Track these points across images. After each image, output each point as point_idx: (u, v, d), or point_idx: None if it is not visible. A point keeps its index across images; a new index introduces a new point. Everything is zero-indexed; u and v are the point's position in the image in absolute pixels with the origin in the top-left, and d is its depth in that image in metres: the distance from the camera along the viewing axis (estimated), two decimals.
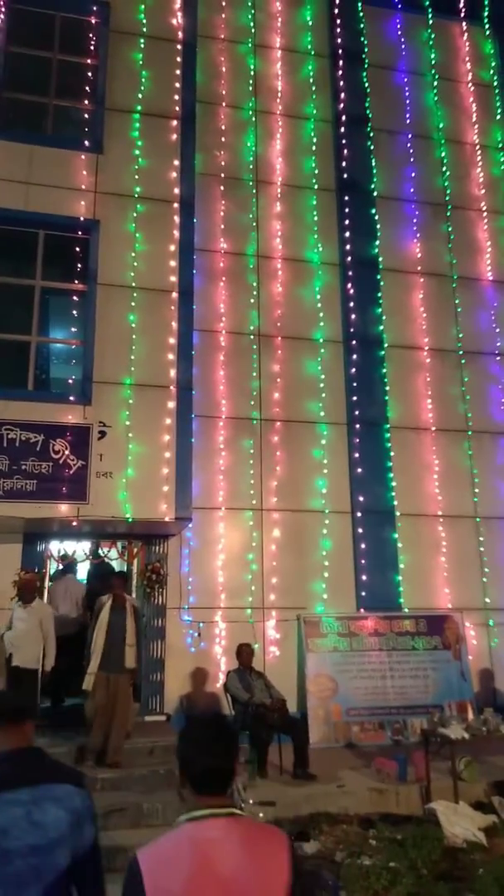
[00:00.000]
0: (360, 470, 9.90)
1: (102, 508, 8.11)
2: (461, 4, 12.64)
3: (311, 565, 9.46)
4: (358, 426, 10.07)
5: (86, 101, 9.80)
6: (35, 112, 9.93)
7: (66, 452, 8.16)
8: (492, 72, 12.61)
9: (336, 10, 11.72)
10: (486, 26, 12.76)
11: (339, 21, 11.68)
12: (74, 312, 8.99)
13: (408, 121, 11.78)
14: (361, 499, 9.80)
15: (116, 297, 8.96)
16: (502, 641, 9.89)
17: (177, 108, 9.97)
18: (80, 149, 9.38)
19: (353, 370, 10.27)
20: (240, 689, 7.49)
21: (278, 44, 11.35)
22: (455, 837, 5.91)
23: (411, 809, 6.60)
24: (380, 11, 12.10)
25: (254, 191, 10.57)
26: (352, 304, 10.52)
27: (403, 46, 12.13)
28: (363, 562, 9.60)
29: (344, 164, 11.08)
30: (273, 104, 11.04)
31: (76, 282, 9.03)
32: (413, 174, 11.53)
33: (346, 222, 10.84)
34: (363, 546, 9.64)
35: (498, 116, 12.40)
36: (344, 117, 11.28)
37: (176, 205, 9.55)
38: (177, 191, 9.60)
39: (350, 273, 10.66)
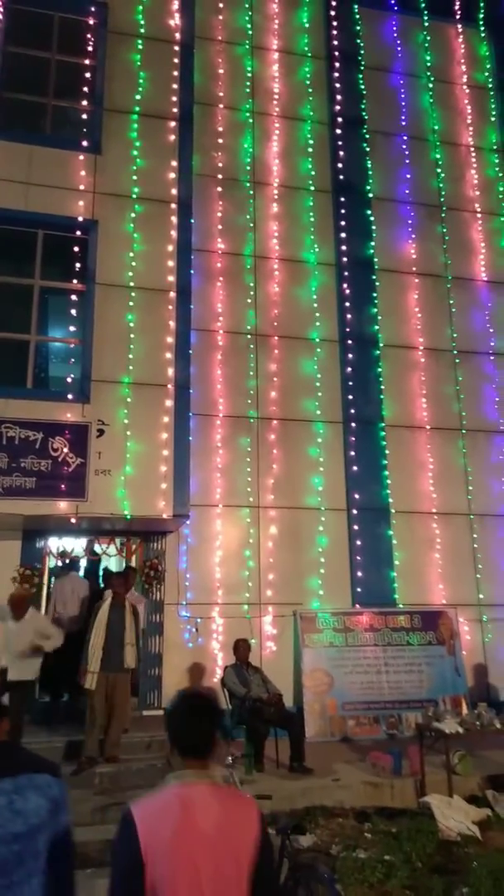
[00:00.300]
0: (355, 468, 10.00)
1: (101, 506, 8.18)
2: (456, 7, 12.73)
3: (307, 562, 9.55)
4: (354, 424, 10.16)
5: (84, 102, 9.84)
6: (34, 112, 9.96)
7: (65, 450, 8.23)
8: (487, 74, 12.70)
9: (332, 13, 11.79)
10: (482, 28, 12.85)
11: (335, 23, 11.76)
12: (73, 312, 9.04)
13: (403, 122, 11.86)
14: (357, 496, 9.90)
15: (115, 297, 9.02)
16: (496, 637, 10.00)
17: (174, 110, 10.02)
18: (78, 149, 9.43)
19: (349, 369, 10.36)
20: (237, 684, 7.57)
21: (275, 45, 11.42)
22: (449, 831, 5.98)
23: (406, 803, 6.67)
24: (376, 13, 12.18)
25: (251, 192, 10.64)
26: (347, 304, 10.61)
27: (399, 48, 12.21)
28: (358, 558, 9.70)
29: (340, 165, 11.17)
30: (270, 106, 11.12)
31: (75, 281, 9.08)
32: (408, 175, 11.62)
33: (342, 223, 10.92)
34: (359, 543, 9.74)
35: (493, 118, 12.49)
36: (340, 119, 11.37)
37: (174, 205, 9.60)
38: (174, 191, 9.66)
39: (346, 273, 10.74)
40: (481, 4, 12.88)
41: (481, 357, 11.17)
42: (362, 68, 11.77)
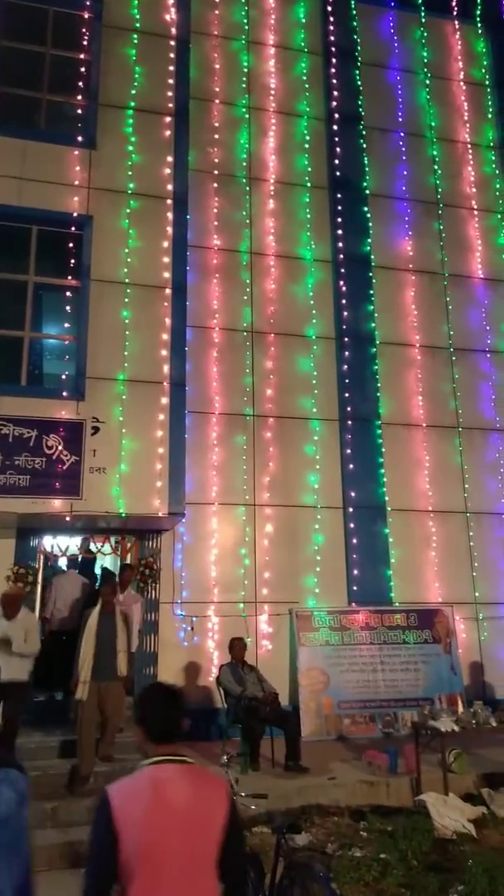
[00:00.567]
0: (351, 466, 9.98)
1: (96, 504, 8.13)
2: (454, 3, 12.69)
3: (303, 560, 9.53)
4: (350, 422, 10.14)
5: (79, 97, 9.77)
6: (28, 107, 9.88)
7: (60, 448, 8.18)
8: (484, 70, 12.67)
9: (329, 8, 11.75)
10: (479, 25, 12.82)
11: (332, 18, 11.71)
12: (68, 308, 8.99)
13: (400, 119, 11.83)
14: (353, 494, 9.87)
15: (110, 293, 8.96)
16: (492, 635, 10.00)
17: (170, 105, 9.96)
18: (73, 144, 9.36)
19: (346, 367, 10.33)
20: (232, 683, 7.55)
21: (271, 41, 11.37)
22: (445, 829, 5.98)
23: (402, 801, 6.67)
24: (373, 9, 12.12)
25: (247, 188, 10.60)
26: (344, 301, 10.58)
27: (396, 44, 12.17)
28: (355, 556, 9.68)
29: (336, 161, 11.12)
30: (266, 101, 11.07)
31: (69, 277, 9.03)
32: (405, 172, 11.59)
33: (339, 220, 10.89)
34: (355, 541, 9.72)
35: (489, 115, 12.46)
36: (336, 115, 11.32)
37: (169, 201, 9.54)
38: (170, 187, 9.60)
39: (342, 270, 10.71)
40: (478, 1, 12.84)
41: (478, 355, 11.15)
42: (359, 64, 11.73)
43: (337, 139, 11.22)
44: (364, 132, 11.46)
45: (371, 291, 10.81)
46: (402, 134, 11.76)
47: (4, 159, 8.99)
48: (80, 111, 9.75)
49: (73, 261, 9.04)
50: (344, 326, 10.49)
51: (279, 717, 7.44)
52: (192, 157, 10.12)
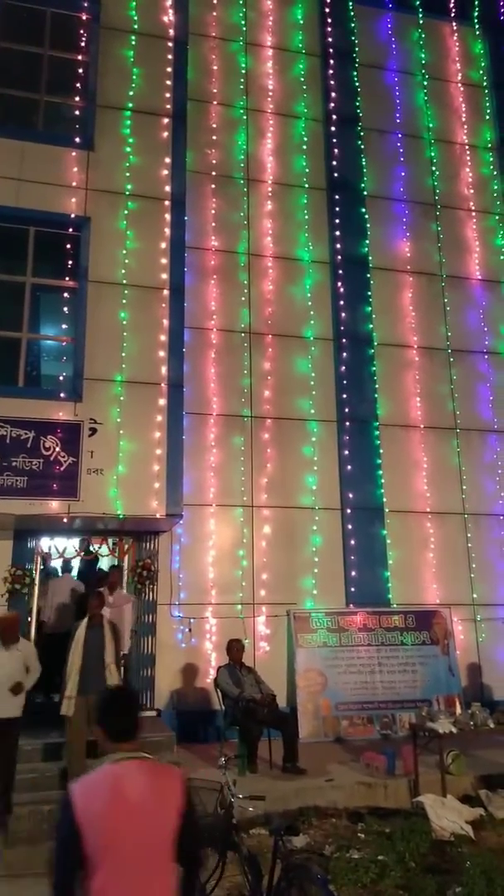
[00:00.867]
0: (349, 467, 9.97)
1: (93, 505, 8.12)
2: (451, 4, 12.72)
3: (300, 561, 9.52)
4: (348, 423, 10.13)
5: (77, 98, 9.77)
6: (26, 108, 9.88)
7: (57, 449, 8.17)
8: (481, 72, 12.69)
9: (327, 9, 11.75)
10: (476, 26, 12.84)
11: (329, 20, 11.72)
12: (65, 309, 8.98)
13: (398, 120, 11.84)
14: (351, 495, 9.87)
15: (107, 294, 8.95)
16: (490, 636, 10.00)
17: (168, 106, 9.96)
18: (71, 146, 9.36)
19: (343, 368, 10.33)
20: (230, 685, 7.53)
21: (269, 42, 11.38)
22: (443, 830, 5.99)
23: (399, 803, 6.67)
24: (370, 11, 12.14)
25: (245, 189, 10.60)
26: (342, 302, 10.58)
27: (394, 46, 12.18)
28: (352, 558, 9.67)
29: (334, 162, 11.13)
30: (264, 103, 11.07)
31: (67, 279, 9.02)
32: (403, 173, 11.60)
33: (337, 221, 10.89)
34: (352, 542, 9.71)
35: (487, 116, 12.48)
36: (334, 116, 11.33)
37: (167, 202, 9.54)
38: (168, 188, 9.61)
39: (340, 271, 10.71)
40: (476, 2, 12.88)
41: (476, 356, 11.16)
42: (357, 66, 11.73)
43: (335, 140, 11.23)
44: (362, 133, 11.47)
45: (369, 293, 10.81)
46: (399, 135, 11.77)
47: (2, 160, 8.98)
48: (77, 112, 9.75)
49: (70, 262, 9.03)
50: (342, 328, 10.49)
51: (277, 718, 7.43)
52: (190, 158, 10.11)
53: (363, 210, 11.13)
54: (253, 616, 9.15)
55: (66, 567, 9.35)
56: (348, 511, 9.83)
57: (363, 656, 9.14)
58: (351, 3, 11.95)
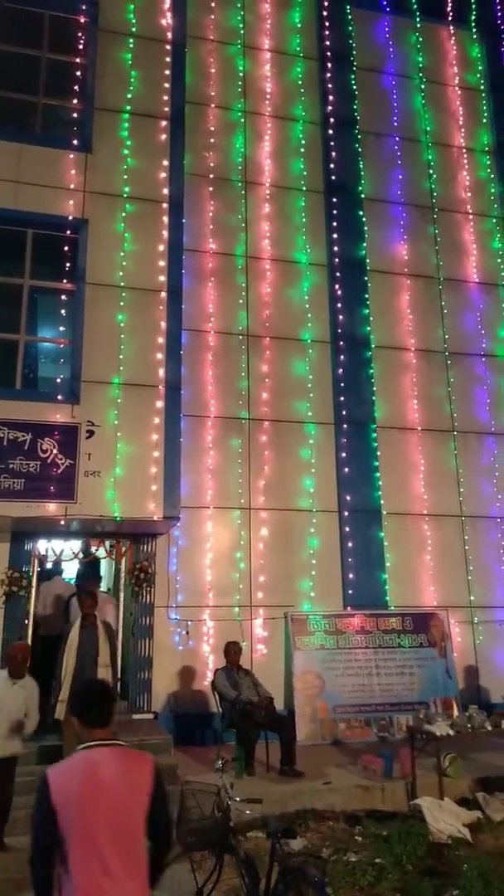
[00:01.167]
0: (347, 469, 9.98)
1: (91, 508, 8.11)
2: (449, 8, 12.76)
3: (298, 564, 9.52)
4: (345, 426, 10.14)
5: (75, 101, 9.77)
6: (24, 110, 9.88)
7: (55, 451, 8.15)
8: (478, 76, 12.73)
9: (324, 13, 11.78)
10: (474, 30, 12.88)
11: (327, 23, 11.75)
12: (63, 311, 8.97)
13: (395, 123, 11.87)
14: (348, 498, 9.88)
15: (105, 297, 8.95)
16: (487, 639, 10.00)
17: (166, 109, 9.97)
18: (69, 148, 9.36)
19: (341, 370, 10.34)
20: (227, 687, 7.53)
21: (267, 45, 11.40)
22: (440, 833, 5.98)
23: (397, 806, 6.67)
24: (368, 14, 12.18)
25: (243, 192, 10.61)
26: (339, 304, 10.60)
27: (391, 49, 12.22)
28: (350, 560, 9.67)
29: (332, 165, 11.15)
30: (262, 105, 11.09)
31: (65, 281, 9.02)
32: (400, 176, 11.62)
33: (334, 224, 10.91)
34: (350, 545, 9.72)
35: (484, 119, 12.52)
36: (332, 119, 11.36)
37: (165, 205, 9.55)
38: (166, 191, 9.61)
39: (338, 274, 10.73)
40: (473, 6, 12.93)
41: (473, 358, 11.18)
42: (354, 69, 11.77)
43: (332, 143, 11.25)
44: (359, 136, 11.50)
45: (366, 295, 10.83)
46: (397, 138, 11.80)
47: (0, 163, 8.97)
48: (75, 115, 9.76)
49: (68, 264, 9.03)
50: (339, 330, 10.50)
51: (274, 721, 7.43)
52: (188, 160, 10.12)
53: (361, 213, 11.16)
54: (250, 618, 9.14)
55: (57, 569, 9.31)
56: (346, 513, 9.84)
57: (360, 659, 9.13)
58: (348, 7, 11.99)
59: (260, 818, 5.81)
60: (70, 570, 9.90)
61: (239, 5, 11.35)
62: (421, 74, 12.30)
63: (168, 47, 10.28)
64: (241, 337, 10.05)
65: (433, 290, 11.28)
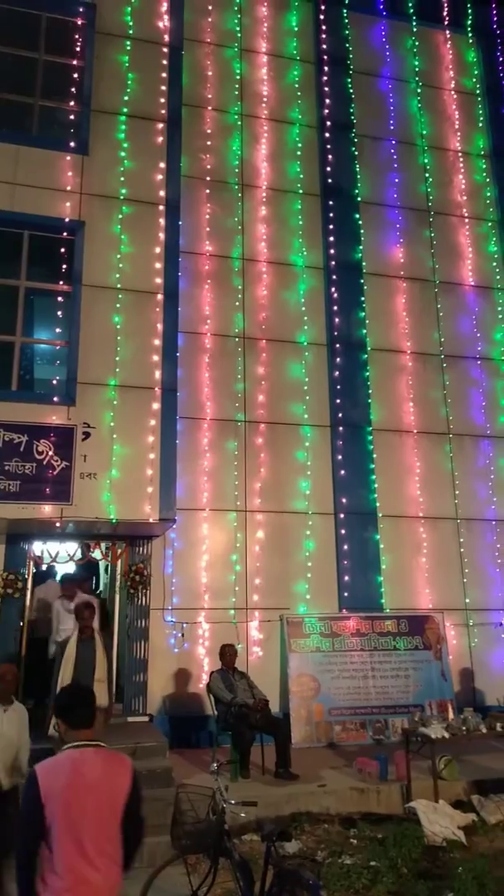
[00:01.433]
0: (343, 472, 9.99)
1: (86, 509, 8.10)
2: (445, 13, 12.80)
3: (294, 566, 9.52)
4: (341, 429, 10.15)
5: (71, 103, 9.79)
6: (20, 112, 9.88)
7: (50, 453, 8.15)
8: (474, 80, 12.77)
9: (321, 17, 11.82)
10: (470, 35, 12.93)
11: (324, 27, 11.78)
12: (59, 313, 8.97)
13: (391, 127, 11.89)
14: (344, 500, 9.88)
15: (101, 299, 8.96)
16: (482, 641, 10.01)
17: (163, 111, 9.99)
18: (65, 150, 9.37)
19: (337, 373, 10.35)
20: (223, 690, 7.52)
21: (264, 48, 11.42)
22: (435, 836, 5.99)
23: (392, 808, 6.67)
24: (365, 18, 12.21)
25: (239, 194, 10.62)
26: (336, 307, 10.61)
27: (388, 53, 12.25)
28: (346, 563, 9.68)
29: (328, 169, 11.17)
30: (259, 108, 11.11)
31: (61, 283, 9.02)
32: (396, 180, 11.65)
33: (331, 227, 10.93)
34: (346, 547, 9.72)
35: (480, 124, 12.56)
36: (328, 123, 11.38)
37: (161, 207, 9.56)
38: (162, 193, 9.62)
39: (334, 277, 10.75)
40: (469, 11, 12.97)
41: (468, 361, 11.21)
42: (351, 72, 11.80)
43: (329, 147, 11.28)
44: (356, 140, 11.52)
45: (362, 298, 10.85)
46: (393, 142, 11.83)
47: None
48: (72, 117, 9.77)
49: (64, 266, 9.04)
50: (335, 333, 10.52)
51: (269, 723, 7.42)
52: (185, 163, 10.14)
53: (357, 216, 11.18)
54: (246, 621, 9.14)
55: (51, 572, 9.28)
56: (341, 516, 9.84)
57: (356, 661, 9.14)
58: (345, 11, 12.03)
59: (255, 821, 5.81)
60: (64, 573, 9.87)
61: (236, 8, 11.38)
62: (417, 78, 12.34)
63: (165, 50, 10.31)
64: (237, 339, 10.06)
65: (429, 293, 11.31)
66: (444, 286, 11.43)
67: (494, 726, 7.22)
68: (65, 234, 9.14)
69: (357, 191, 11.30)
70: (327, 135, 11.33)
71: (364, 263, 11.02)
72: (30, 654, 8.26)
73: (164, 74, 10.17)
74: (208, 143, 10.63)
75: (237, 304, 10.17)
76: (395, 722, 8.75)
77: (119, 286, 9.05)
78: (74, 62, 9.95)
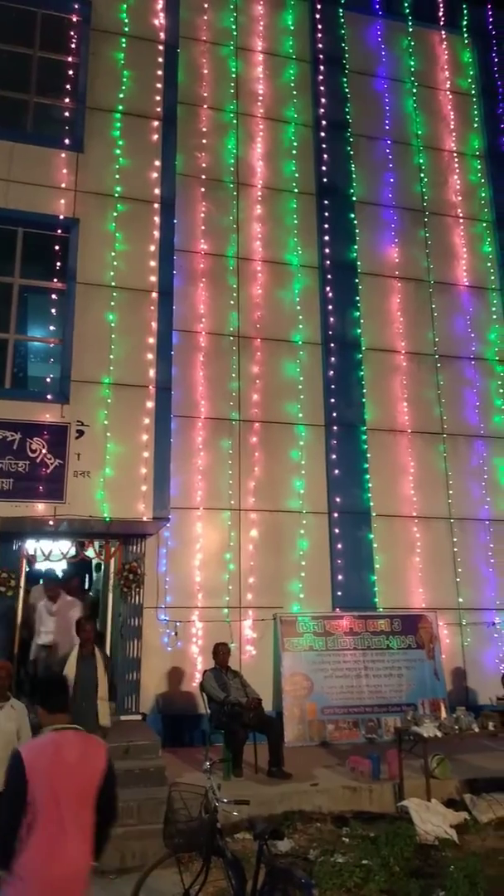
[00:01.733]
0: (337, 471, 9.99)
1: (80, 508, 8.09)
2: (441, 13, 12.82)
3: (287, 565, 9.52)
4: (335, 428, 10.16)
5: (66, 100, 9.76)
6: (15, 109, 9.85)
7: (44, 451, 8.13)
8: (470, 80, 12.79)
9: (317, 16, 11.81)
10: (465, 35, 12.95)
11: (320, 26, 11.77)
12: (53, 311, 8.95)
13: (387, 127, 11.90)
14: (338, 500, 9.89)
15: (96, 296, 8.94)
16: (475, 641, 10.04)
17: (158, 109, 9.98)
18: (60, 147, 9.35)
19: (331, 372, 10.36)
20: (216, 689, 7.51)
21: (260, 47, 11.41)
22: (427, 835, 6.01)
23: (384, 807, 6.68)
24: (360, 18, 12.20)
25: (234, 193, 10.61)
26: (330, 307, 10.62)
27: (383, 53, 12.25)
28: (339, 562, 9.68)
29: (324, 168, 11.17)
30: (254, 107, 11.10)
31: (55, 280, 9.00)
32: (391, 180, 11.66)
33: (326, 226, 10.93)
34: (339, 546, 9.73)
35: (475, 124, 12.58)
36: (324, 122, 11.38)
37: (156, 205, 9.55)
38: (157, 191, 9.61)
39: (329, 276, 10.75)
40: (465, 11, 12.99)
41: (462, 361, 11.23)
42: (346, 72, 11.79)
43: (324, 146, 11.27)
44: (351, 139, 11.53)
45: (357, 298, 10.85)
46: (388, 142, 11.83)
47: None
48: (67, 114, 9.75)
49: (59, 263, 9.02)
50: (330, 332, 10.52)
51: (262, 722, 7.42)
52: (180, 161, 10.13)
53: (352, 215, 11.18)
54: (239, 620, 9.14)
55: (39, 574, 9.24)
56: (335, 515, 9.85)
57: (349, 660, 9.15)
58: (341, 10, 12.02)
59: (247, 819, 5.81)
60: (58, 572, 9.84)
61: (232, 7, 11.36)
62: (413, 78, 12.35)
63: (161, 47, 10.29)
64: (231, 338, 10.05)
65: (424, 293, 11.33)
66: (439, 286, 11.45)
67: (486, 725, 7.24)
68: (59, 231, 9.13)
69: (352, 190, 11.31)
70: (323, 134, 11.33)
71: (359, 263, 11.02)
72: (23, 653, 8.25)
73: (159, 72, 10.15)
74: (204, 141, 10.62)
75: (232, 302, 10.16)
76: (388, 721, 8.76)
77: (113, 284, 9.04)
78: (69, 59, 9.93)
